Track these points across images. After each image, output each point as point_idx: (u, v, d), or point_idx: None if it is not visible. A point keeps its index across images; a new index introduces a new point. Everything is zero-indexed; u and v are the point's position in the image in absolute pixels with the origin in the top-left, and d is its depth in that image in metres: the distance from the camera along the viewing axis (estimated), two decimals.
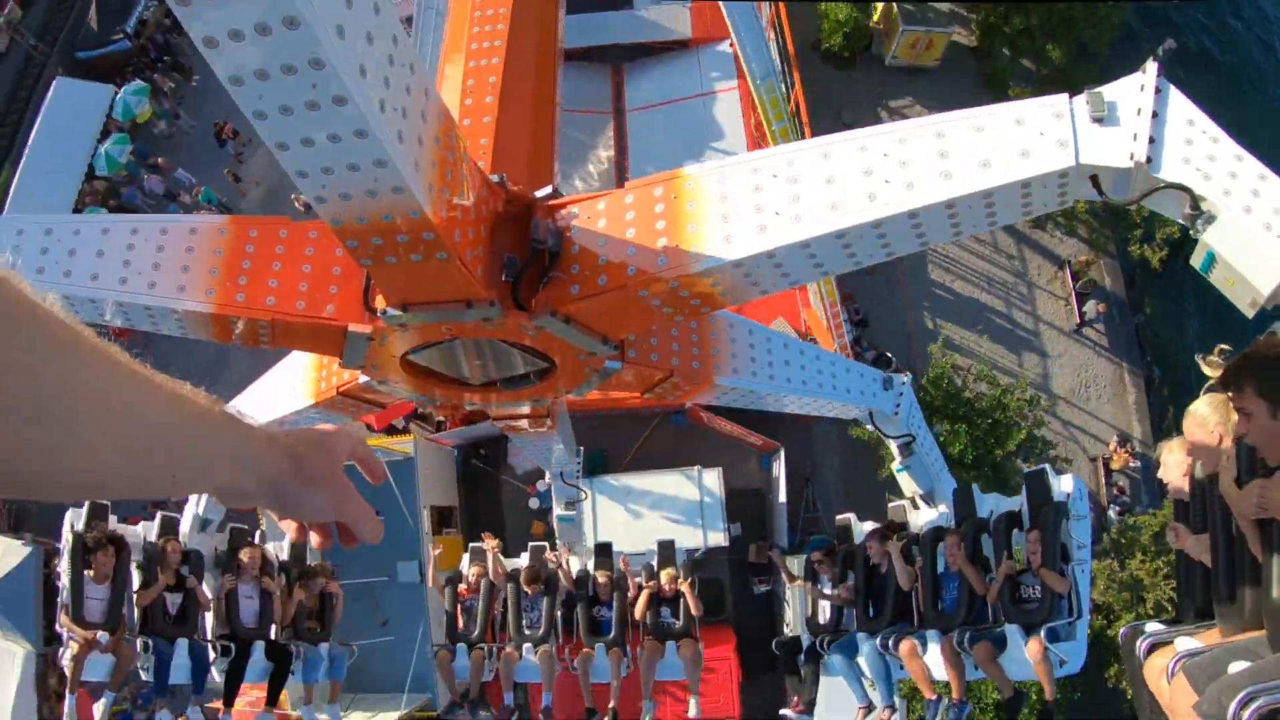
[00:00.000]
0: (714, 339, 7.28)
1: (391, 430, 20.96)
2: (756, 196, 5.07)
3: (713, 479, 19.87)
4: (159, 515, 10.93)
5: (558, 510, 11.72)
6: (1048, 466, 9.83)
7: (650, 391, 7.20)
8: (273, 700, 10.57)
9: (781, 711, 10.45)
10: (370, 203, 4.46)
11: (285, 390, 8.88)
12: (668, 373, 6.99)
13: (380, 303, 5.56)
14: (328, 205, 4.53)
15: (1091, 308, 27.37)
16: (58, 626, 9.90)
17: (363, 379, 6.98)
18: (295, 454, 1.73)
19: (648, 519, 19.11)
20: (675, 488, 20.15)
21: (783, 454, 21.16)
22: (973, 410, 20.98)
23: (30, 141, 27.93)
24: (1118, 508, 25.09)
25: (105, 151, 28.64)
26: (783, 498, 20.86)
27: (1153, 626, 5.60)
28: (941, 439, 18.94)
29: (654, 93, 26.72)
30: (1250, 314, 5.19)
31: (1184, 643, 4.97)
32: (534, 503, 21.59)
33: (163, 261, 6.18)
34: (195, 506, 11.07)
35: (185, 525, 10.82)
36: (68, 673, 9.60)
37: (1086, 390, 27.07)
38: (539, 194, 5.62)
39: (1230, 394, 4.17)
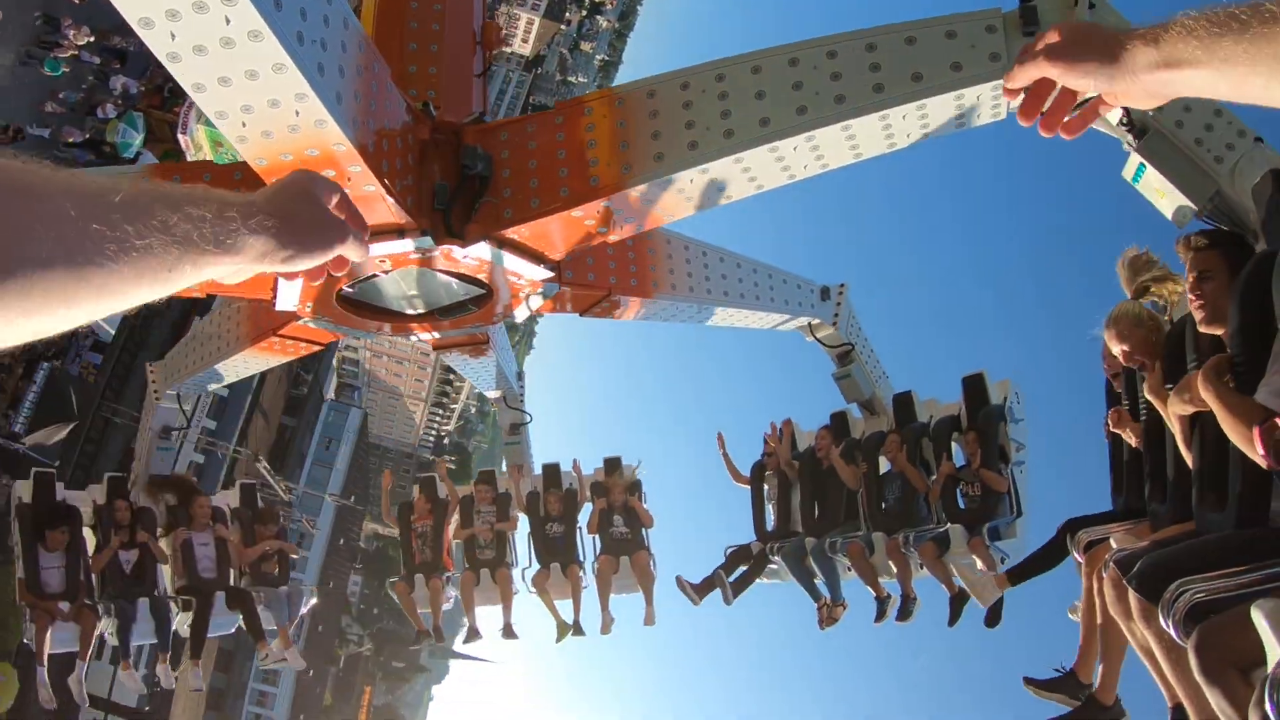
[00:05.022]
0: (651, 255, 7.28)
1: None
2: (687, 113, 5.05)
3: None
4: (106, 477, 10.80)
5: (505, 437, 11.73)
6: (985, 371, 10.07)
7: (590, 311, 7.21)
8: (258, 636, 10.57)
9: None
10: (293, 138, 4.38)
11: (220, 337, 8.76)
12: (606, 291, 7.00)
13: None
14: (249, 145, 4.44)
15: None
16: (17, 600, 9.76)
17: (300, 319, 6.90)
18: (285, 211, 1.58)
19: None
20: None
21: None
22: None
23: None
24: None
25: None
26: None
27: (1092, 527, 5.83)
28: None
29: None
30: (1181, 226, 5.36)
31: (1119, 540, 5.18)
32: None
33: None
34: (142, 462, 10.99)
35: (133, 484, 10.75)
36: (34, 647, 9.48)
37: None
38: (466, 120, 5.54)
39: (1193, 251, 4.24)
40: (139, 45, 3.91)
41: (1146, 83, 1.75)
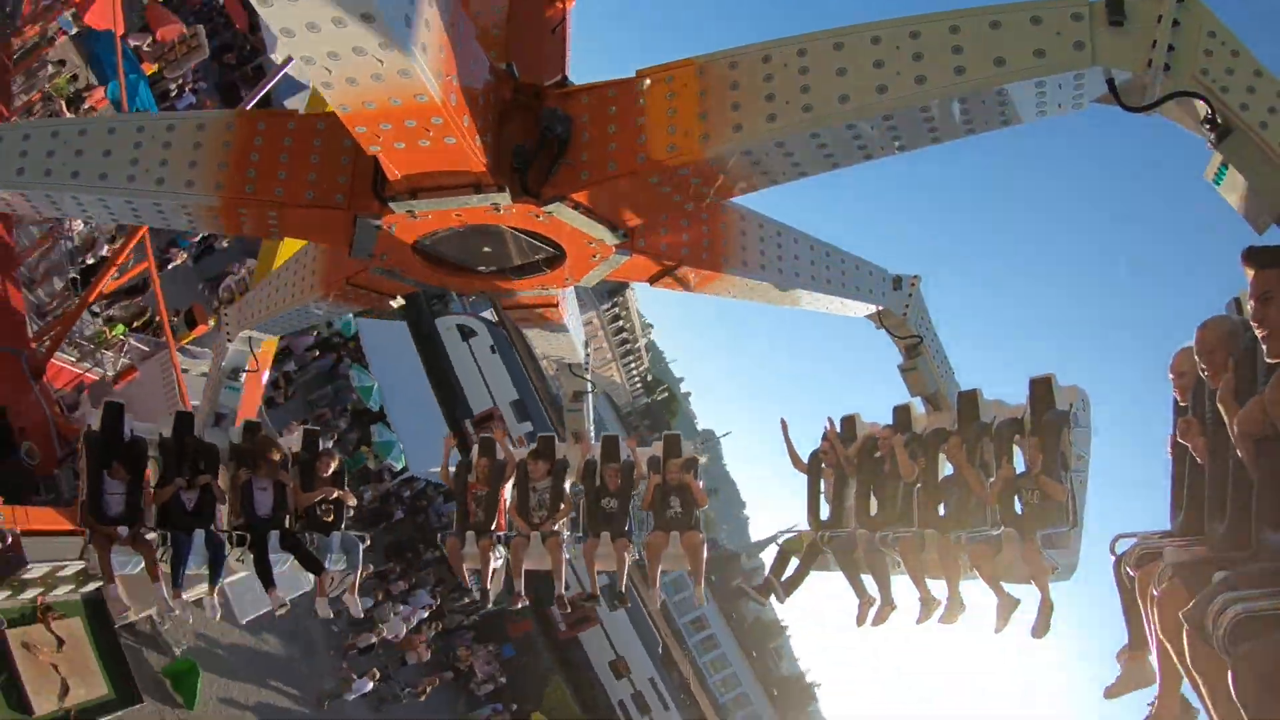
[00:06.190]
0: (724, 230, 7.22)
1: None
2: (767, 85, 5.04)
3: None
4: (175, 413, 11.09)
5: (567, 404, 11.79)
6: (1054, 375, 9.83)
7: (658, 280, 7.20)
8: (317, 570, 10.91)
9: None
10: (377, 87, 4.46)
11: (296, 281, 8.95)
12: (676, 262, 6.99)
13: (389, 190, 5.57)
14: (334, 91, 4.53)
15: None
16: (78, 524, 10.09)
17: (373, 268, 7.01)
18: None
19: None
20: None
21: None
22: None
23: None
24: None
25: None
26: None
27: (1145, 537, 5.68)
28: None
29: None
30: (1261, 231, 5.18)
31: (1172, 554, 5.03)
32: None
33: (170, 157, 6.18)
34: (209, 399, 11.30)
35: (199, 421, 11.10)
36: (99, 569, 9.80)
37: None
38: (549, 82, 5.58)
39: (1254, 269, 4.11)
40: None
41: None
